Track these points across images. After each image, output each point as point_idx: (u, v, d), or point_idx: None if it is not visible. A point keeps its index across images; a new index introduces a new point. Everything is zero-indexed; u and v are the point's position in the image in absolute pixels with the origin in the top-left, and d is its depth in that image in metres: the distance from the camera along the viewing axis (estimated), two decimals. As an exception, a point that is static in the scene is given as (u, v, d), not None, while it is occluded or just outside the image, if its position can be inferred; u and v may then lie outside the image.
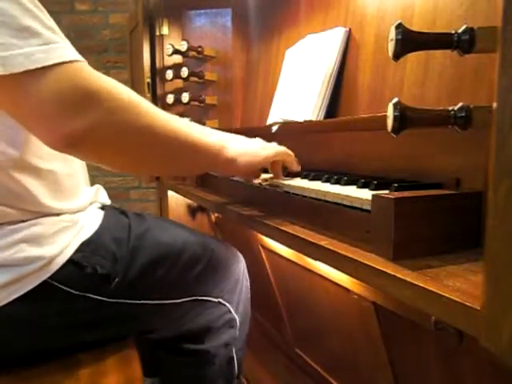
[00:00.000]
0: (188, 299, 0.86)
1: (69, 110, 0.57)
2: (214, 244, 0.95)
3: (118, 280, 0.76)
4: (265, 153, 0.79)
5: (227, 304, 0.92)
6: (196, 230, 1.00)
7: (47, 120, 0.57)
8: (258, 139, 0.83)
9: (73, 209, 0.77)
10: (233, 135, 0.80)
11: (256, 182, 0.88)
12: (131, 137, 0.63)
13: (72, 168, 0.78)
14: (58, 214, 0.74)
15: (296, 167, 0.84)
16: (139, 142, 0.64)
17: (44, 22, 0.58)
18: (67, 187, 0.76)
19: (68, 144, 0.59)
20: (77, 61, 0.58)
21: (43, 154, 0.71)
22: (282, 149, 0.82)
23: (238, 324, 0.93)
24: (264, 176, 0.88)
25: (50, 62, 0.55)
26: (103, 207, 0.87)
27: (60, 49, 0.57)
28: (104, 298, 0.75)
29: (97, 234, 0.77)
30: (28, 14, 0.56)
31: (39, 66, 0.55)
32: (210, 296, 0.90)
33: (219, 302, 0.91)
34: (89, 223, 0.78)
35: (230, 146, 0.76)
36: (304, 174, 0.83)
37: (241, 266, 0.99)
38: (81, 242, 0.74)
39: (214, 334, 0.89)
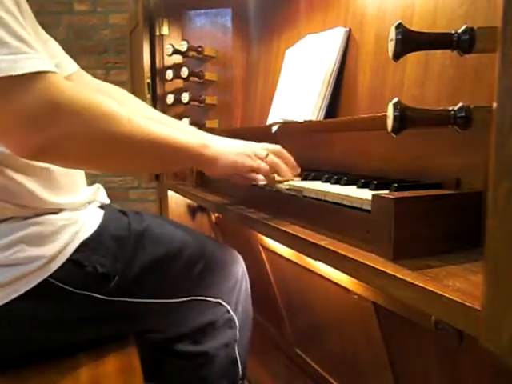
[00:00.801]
0: (187, 299, 0.86)
1: (35, 123, 0.57)
2: (212, 245, 0.95)
3: (118, 279, 0.76)
4: (245, 163, 0.77)
5: (226, 304, 0.92)
6: (195, 230, 1.00)
7: (10, 133, 0.58)
8: (250, 143, 0.82)
9: (71, 204, 0.77)
10: (220, 137, 0.81)
11: (261, 183, 0.86)
12: (99, 148, 0.64)
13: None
14: (56, 212, 0.74)
15: (289, 176, 0.82)
16: (108, 151, 0.66)
17: (15, 32, 0.56)
18: (63, 184, 0.76)
19: (34, 155, 0.60)
20: (47, 72, 0.57)
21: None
22: (275, 148, 0.82)
23: (237, 325, 0.93)
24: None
25: (14, 73, 0.54)
26: (102, 206, 0.87)
27: (28, 59, 0.56)
28: (103, 297, 0.75)
29: (97, 232, 0.77)
30: None
31: (4, 75, 0.54)
32: (208, 296, 0.89)
33: (218, 302, 0.91)
34: (89, 222, 0.78)
35: (212, 144, 0.76)
36: (304, 174, 0.83)
37: (240, 267, 0.99)
38: (81, 241, 0.74)
39: (213, 335, 0.89)
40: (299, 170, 0.85)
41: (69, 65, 0.90)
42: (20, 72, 0.55)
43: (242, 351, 0.94)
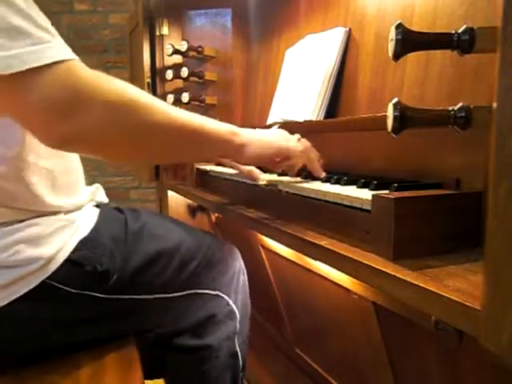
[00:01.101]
0: (186, 293, 0.87)
1: (60, 112, 0.56)
2: (209, 239, 0.96)
3: (117, 276, 0.76)
4: (278, 144, 0.75)
5: (225, 296, 0.92)
6: (192, 226, 1.00)
7: (40, 122, 0.57)
8: (281, 130, 0.80)
9: (70, 206, 0.77)
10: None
11: (261, 183, 0.87)
12: (130, 135, 0.63)
13: (69, 166, 0.78)
14: (54, 213, 0.74)
15: (319, 173, 0.79)
16: (136, 136, 0.64)
17: (36, 21, 0.56)
18: (64, 184, 0.76)
19: (63, 144, 0.60)
20: (69, 60, 0.58)
21: (40, 151, 0.71)
22: (305, 145, 0.78)
23: (238, 316, 0.93)
24: (265, 177, 0.88)
25: (41, 63, 0.55)
26: (98, 205, 0.87)
27: (51, 48, 0.56)
28: (103, 295, 0.76)
29: (93, 231, 0.77)
30: (19, 14, 0.55)
31: (28, 67, 0.54)
32: (207, 289, 0.90)
33: (217, 294, 0.91)
34: (85, 221, 0.78)
35: (242, 132, 0.74)
36: (304, 174, 0.83)
37: (237, 259, 0.99)
38: (78, 241, 0.74)
39: (215, 328, 0.89)
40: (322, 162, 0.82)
41: None
42: (45, 62, 0.55)
43: (243, 344, 0.94)
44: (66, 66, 0.57)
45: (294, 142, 0.78)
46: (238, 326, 0.93)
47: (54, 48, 0.57)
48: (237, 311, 0.94)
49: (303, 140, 0.81)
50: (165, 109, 0.65)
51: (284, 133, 0.80)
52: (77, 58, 0.60)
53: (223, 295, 0.92)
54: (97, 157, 0.66)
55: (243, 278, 1.00)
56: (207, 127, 0.70)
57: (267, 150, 0.75)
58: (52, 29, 0.59)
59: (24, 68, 0.54)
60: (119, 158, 0.71)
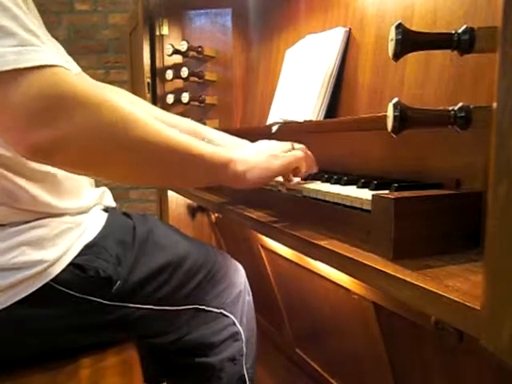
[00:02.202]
0: (188, 307, 0.85)
1: (39, 118, 0.53)
2: (215, 254, 0.94)
3: (120, 283, 0.75)
4: (277, 164, 0.72)
5: (230, 315, 0.90)
6: (198, 239, 0.99)
7: (15, 127, 0.53)
8: (273, 143, 0.76)
9: (76, 209, 0.76)
10: (242, 143, 0.75)
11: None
12: (113, 149, 0.58)
13: None
14: (60, 215, 0.73)
15: (315, 169, 0.80)
16: (122, 155, 0.59)
17: (24, 23, 0.54)
18: (68, 189, 0.75)
19: (38, 154, 0.55)
20: (55, 65, 0.54)
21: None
22: (299, 155, 0.75)
23: (243, 338, 0.91)
24: None
25: (23, 65, 0.51)
26: (107, 209, 0.86)
27: (36, 52, 0.53)
28: (105, 301, 0.75)
29: (100, 236, 0.76)
30: (5, 14, 0.52)
31: (8, 68, 0.51)
32: (211, 306, 0.88)
33: (221, 313, 0.89)
34: (92, 225, 0.77)
35: (237, 158, 0.70)
36: (304, 174, 0.83)
37: (242, 277, 0.97)
38: (84, 245, 0.73)
39: (218, 347, 0.87)
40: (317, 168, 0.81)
41: (71, 67, 0.89)
42: (27, 65, 0.52)
43: (250, 368, 0.92)
44: (51, 71, 0.54)
45: (284, 146, 0.75)
46: (244, 348, 0.90)
47: (40, 52, 0.54)
48: (242, 332, 0.91)
49: (298, 146, 0.78)
50: (153, 126, 0.61)
51: (275, 145, 0.76)
52: (64, 65, 0.56)
53: (228, 314, 0.90)
54: (77, 172, 0.62)
55: (248, 298, 0.97)
56: (206, 153, 0.67)
57: (267, 173, 0.72)
58: (44, 36, 0.57)
59: (6, 68, 0.51)
60: (101, 174, 0.64)
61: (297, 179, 0.78)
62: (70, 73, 0.56)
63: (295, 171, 0.75)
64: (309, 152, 0.80)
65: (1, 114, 0.53)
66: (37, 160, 0.58)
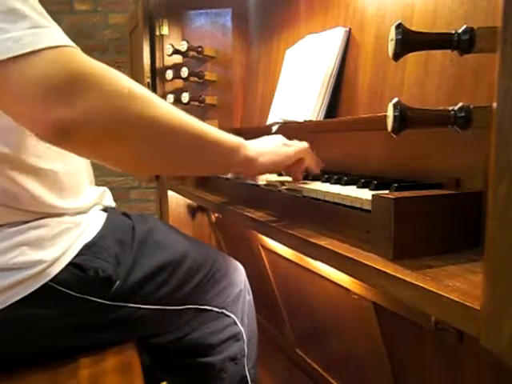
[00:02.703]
0: (188, 307, 0.85)
1: (58, 95, 0.52)
2: (215, 254, 0.94)
3: (120, 283, 0.75)
4: (285, 150, 0.76)
5: (231, 315, 0.90)
6: (198, 239, 0.99)
7: (34, 106, 0.52)
8: (278, 136, 0.80)
9: (75, 208, 0.76)
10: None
11: (262, 183, 0.87)
12: (131, 127, 0.57)
13: (73, 167, 0.77)
14: (59, 215, 0.73)
15: (317, 169, 0.81)
16: (140, 133, 0.59)
17: (34, 6, 0.54)
18: (68, 186, 0.75)
19: (58, 133, 0.54)
20: (67, 46, 0.54)
21: (40, 153, 0.69)
22: (304, 146, 0.79)
23: (245, 338, 0.90)
24: (264, 177, 0.88)
25: (40, 46, 0.52)
26: (106, 209, 0.86)
27: (50, 33, 0.54)
28: (105, 301, 0.75)
29: (99, 236, 0.76)
30: None
31: (29, 50, 0.51)
32: (211, 306, 0.88)
33: (223, 312, 0.89)
34: (91, 225, 0.77)
35: (248, 144, 0.73)
36: (304, 174, 0.83)
37: (242, 277, 0.97)
38: (83, 245, 0.73)
39: (219, 347, 0.87)
40: (322, 165, 0.84)
41: None
42: (44, 46, 0.52)
43: (252, 369, 0.91)
44: (66, 50, 0.54)
45: (291, 145, 0.79)
46: (245, 348, 0.90)
47: (53, 33, 0.54)
48: (243, 331, 0.91)
49: (302, 143, 0.81)
50: (168, 106, 0.61)
51: (281, 138, 0.80)
52: (78, 47, 0.56)
53: (229, 314, 0.90)
54: (92, 156, 0.61)
55: (249, 299, 0.97)
56: (219, 137, 0.67)
57: (278, 158, 0.75)
58: (51, 20, 0.57)
59: (23, 51, 0.51)
60: (116, 157, 0.62)
61: (286, 179, 0.80)
62: (82, 53, 0.56)
63: (300, 162, 0.78)
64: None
65: (19, 97, 0.53)
66: (56, 141, 0.56)
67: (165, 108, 0.61)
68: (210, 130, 0.66)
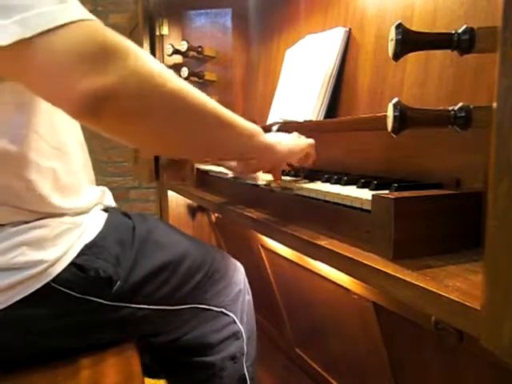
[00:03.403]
0: (188, 306, 0.85)
1: (91, 63, 0.52)
2: (214, 253, 0.94)
3: (120, 283, 0.75)
4: (302, 142, 0.80)
5: (231, 314, 0.90)
6: (197, 238, 0.99)
7: (66, 76, 0.52)
8: (290, 135, 0.83)
9: (76, 208, 0.76)
10: None
11: (261, 183, 0.87)
12: (159, 99, 0.57)
13: (72, 166, 0.77)
14: (60, 215, 0.73)
15: (313, 165, 0.85)
16: (168, 108, 0.59)
17: None
18: (68, 185, 0.75)
19: (88, 104, 0.53)
20: (92, 19, 0.55)
21: (43, 151, 0.69)
22: (311, 140, 0.83)
23: (244, 336, 0.90)
24: (264, 177, 0.88)
25: (69, 20, 0.52)
26: (106, 209, 0.86)
27: (75, 8, 0.54)
28: (105, 301, 0.75)
29: (100, 236, 0.76)
30: None
31: (59, 23, 0.51)
32: (211, 305, 0.88)
33: (222, 311, 0.89)
34: (92, 225, 0.77)
35: (265, 134, 0.74)
36: (304, 174, 0.83)
37: (241, 276, 0.97)
38: (84, 245, 0.73)
39: (219, 346, 0.87)
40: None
41: None
42: (73, 19, 0.52)
43: (251, 367, 0.91)
44: (93, 23, 0.54)
45: (304, 140, 0.82)
46: (245, 347, 0.90)
47: (78, 8, 0.54)
48: (243, 330, 0.91)
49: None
50: (193, 88, 0.62)
51: (295, 133, 0.83)
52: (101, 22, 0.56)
53: (228, 312, 0.90)
54: (115, 132, 0.60)
55: (248, 298, 0.97)
56: (238, 119, 0.68)
57: (295, 147, 0.79)
58: None
59: (52, 25, 0.51)
60: (140, 134, 0.61)
61: (286, 178, 0.84)
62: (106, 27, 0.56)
63: (308, 155, 0.82)
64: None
65: (50, 69, 0.52)
66: (85, 114, 0.55)
67: (191, 88, 0.61)
68: (231, 115, 0.68)
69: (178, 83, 0.59)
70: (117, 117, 0.56)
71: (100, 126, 0.58)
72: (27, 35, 0.50)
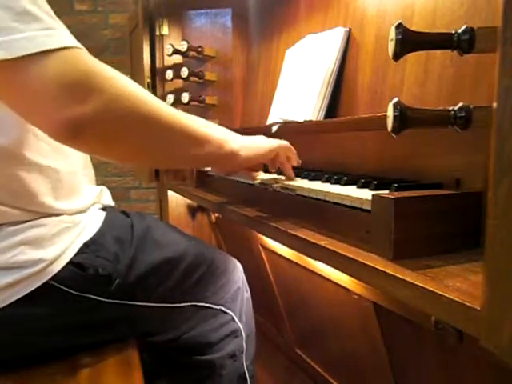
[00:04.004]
0: (187, 304, 0.85)
1: (70, 94, 0.55)
2: (213, 252, 0.95)
3: (119, 281, 0.75)
4: (268, 145, 0.81)
5: (230, 312, 0.90)
6: (196, 237, 0.99)
7: (48, 105, 0.55)
8: (261, 136, 0.84)
9: (74, 209, 0.76)
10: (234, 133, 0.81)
11: (256, 182, 0.87)
12: (135, 124, 0.61)
13: (73, 166, 0.78)
14: (59, 214, 0.73)
15: (297, 162, 0.85)
16: (143, 129, 0.63)
17: (45, 9, 0.57)
18: (69, 185, 0.75)
19: (69, 131, 0.56)
20: (78, 47, 0.57)
21: (43, 151, 0.70)
22: (284, 142, 0.83)
23: (243, 334, 0.91)
24: (263, 176, 0.88)
25: (52, 46, 0.54)
26: (105, 208, 0.86)
27: (60, 35, 0.56)
28: (104, 299, 0.75)
29: (98, 234, 0.77)
30: (29, 0, 0.55)
31: (42, 49, 0.53)
32: (210, 303, 0.88)
33: (221, 309, 0.89)
34: (90, 224, 0.77)
35: (233, 138, 0.77)
36: (304, 174, 0.83)
37: (240, 274, 0.97)
38: (82, 243, 0.74)
39: (218, 344, 0.87)
40: (300, 162, 0.87)
41: None
42: (57, 46, 0.55)
43: (250, 365, 0.92)
44: (77, 52, 0.57)
45: (275, 141, 0.83)
46: (244, 345, 0.90)
47: (63, 35, 0.57)
48: (242, 328, 0.91)
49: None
50: (167, 106, 0.67)
51: (263, 137, 0.84)
52: (84, 48, 0.59)
53: (227, 311, 0.90)
54: (98, 152, 0.64)
55: (247, 296, 0.98)
56: (207, 132, 0.72)
57: (259, 151, 0.80)
58: (60, 22, 0.60)
59: (36, 50, 0.53)
60: (120, 154, 0.67)
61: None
62: (90, 54, 0.59)
63: (278, 158, 0.82)
64: (291, 146, 0.86)
65: (32, 95, 0.55)
66: (67, 139, 0.59)
67: (164, 107, 0.66)
68: (202, 126, 0.72)
69: (154, 105, 0.64)
70: (96, 141, 0.61)
71: (80, 149, 0.64)
72: (8, 57, 0.52)
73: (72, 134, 0.57)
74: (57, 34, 0.56)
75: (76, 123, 0.56)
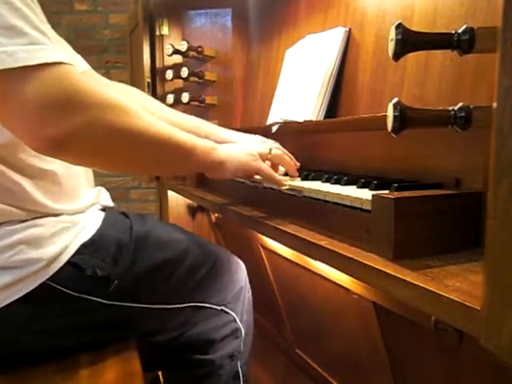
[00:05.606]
0: (189, 305, 0.85)
1: (52, 113, 0.55)
2: (216, 250, 0.94)
3: (118, 283, 0.75)
4: (255, 163, 0.80)
5: (231, 312, 0.90)
6: (198, 236, 0.99)
7: (30, 122, 0.55)
8: (257, 137, 0.83)
9: (73, 209, 0.76)
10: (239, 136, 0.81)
11: (284, 188, 0.86)
12: (116, 139, 0.63)
13: (74, 169, 0.77)
14: (57, 215, 0.73)
15: (294, 172, 0.84)
16: (128, 143, 0.64)
17: (33, 23, 0.56)
18: (68, 189, 0.75)
19: (51, 148, 0.57)
20: (63, 63, 0.57)
21: (40, 154, 0.70)
22: (277, 153, 0.83)
23: (243, 335, 0.91)
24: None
25: (33, 63, 0.54)
26: (104, 209, 0.86)
27: (45, 50, 0.56)
28: (103, 301, 0.75)
29: (97, 235, 0.76)
30: (16, 14, 0.54)
31: (21, 65, 0.53)
32: (211, 303, 0.88)
33: (222, 310, 0.89)
34: (89, 224, 0.77)
35: (221, 148, 0.77)
36: (304, 174, 0.83)
37: (243, 274, 0.97)
38: (80, 244, 0.73)
39: (218, 344, 0.87)
40: (298, 164, 0.87)
41: (81, 63, 0.91)
42: (38, 62, 0.54)
43: (244, 365, 0.92)
44: (62, 68, 0.56)
45: (262, 148, 0.83)
46: (241, 345, 0.90)
47: (49, 50, 0.56)
48: (242, 329, 0.91)
49: (275, 152, 0.85)
50: (150, 118, 0.67)
51: (252, 141, 0.85)
52: (73, 64, 0.59)
53: (229, 311, 0.90)
54: (84, 164, 0.66)
55: (248, 296, 0.97)
56: (191, 142, 0.73)
57: (243, 167, 0.79)
58: (53, 35, 0.60)
59: (15, 65, 0.53)
60: (105, 167, 0.71)
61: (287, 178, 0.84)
62: (77, 70, 0.59)
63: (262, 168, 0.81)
64: (288, 156, 0.86)
65: (14, 111, 0.55)
66: (50, 154, 0.60)
67: (147, 120, 0.66)
68: (187, 137, 0.73)
69: (140, 120, 0.64)
70: (79, 156, 0.63)
71: (66, 161, 0.66)
72: None
73: (54, 149, 0.58)
74: (40, 50, 0.55)
75: (57, 140, 0.57)
